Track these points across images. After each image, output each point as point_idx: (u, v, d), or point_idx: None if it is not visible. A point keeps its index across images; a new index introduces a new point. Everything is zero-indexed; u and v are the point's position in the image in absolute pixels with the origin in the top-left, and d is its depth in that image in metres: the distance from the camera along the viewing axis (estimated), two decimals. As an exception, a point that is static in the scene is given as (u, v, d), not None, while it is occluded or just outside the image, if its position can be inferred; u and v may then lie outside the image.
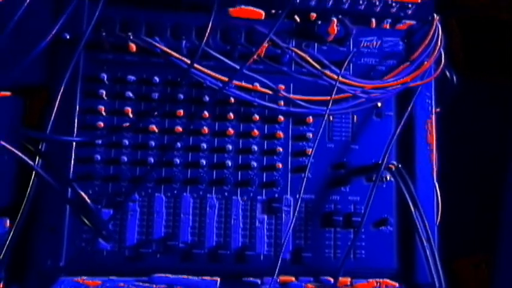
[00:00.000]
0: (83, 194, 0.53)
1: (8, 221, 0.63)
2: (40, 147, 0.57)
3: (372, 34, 0.72)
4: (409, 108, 0.69)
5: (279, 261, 0.61)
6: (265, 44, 0.65)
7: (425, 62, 0.70)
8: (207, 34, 0.61)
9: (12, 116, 0.66)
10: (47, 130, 0.57)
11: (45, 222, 0.63)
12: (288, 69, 0.69)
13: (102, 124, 0.66)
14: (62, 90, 0.62)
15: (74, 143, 0.65)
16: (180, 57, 0.63)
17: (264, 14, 0.71)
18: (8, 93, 0.66)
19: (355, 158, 0.70)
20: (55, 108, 0.58)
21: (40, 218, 0.62)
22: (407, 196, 0.66)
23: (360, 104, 0.68)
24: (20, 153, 0.49)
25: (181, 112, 0.67)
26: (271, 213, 0.67)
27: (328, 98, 0.64)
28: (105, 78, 0.67)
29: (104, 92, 0.66)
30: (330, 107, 0.66)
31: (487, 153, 0.95)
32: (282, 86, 0.69)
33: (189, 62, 0.62)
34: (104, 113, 0.66)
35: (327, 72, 0.65)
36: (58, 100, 0.59)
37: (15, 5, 0.54)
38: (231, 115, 0.68)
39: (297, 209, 0.66)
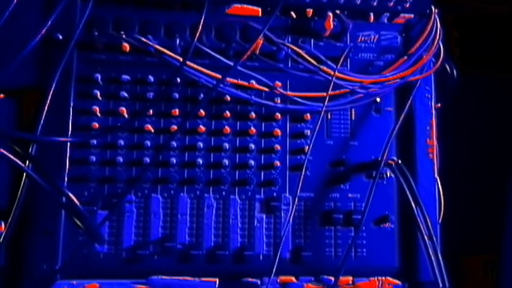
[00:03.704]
0: (72, 196, 0.52)
1: (2, 224, 0.62)
2: (30, 149, 0.56)
3: (369, 29, 0.71)
4: (409, 103, 0.68)
5: (277, 261, 0.60)
6: (260, 40, 0.64)
7: (424, 56, 0.69)
8: (199, 30, 0.60)
9: (4, 119, 0.65)
10: (38, 131, 0.55)
11: (40, 225, 0.62)
12: (284, 66, 0.68)
13: (96, 125, 0.65)
14: (53, 91, 0.61)
15: (69, 144, 0.65)
16: (172, 55, 0.62)
17: (260, 11, 0.70)
18: (0, 96, 0.65)
19: (355, 154, 0.69)
20: (45, 109, 0.57)
21: (35, 221, 0.62)
22: (408, 193, 0.64)
23: (358, 99, 0.67)
24: (9, 155, 0.48)
25: (176, 111, 0.66)
26: (269, 212, 0.66)
27: (325, 94, 0.63)
28: (99, 79, 0.66)
29: (98, 93, 0.66)
30: (327, 103, 0.65)
31: (489, 148, 0.93)
32: (279, 83, 0.68)
33: (181, 59, 0.61)
34: (98, 114, 0.65)
35: (324, 67, 0.64)
36: (49, 100, 0.58)
37: (3, 4, 0.53)
38: (228, 113, 0.67)
39: (296, 207, 0.65)
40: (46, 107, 0.57)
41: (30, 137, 0.55)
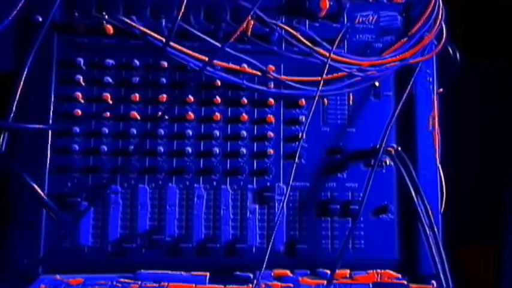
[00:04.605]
0: (34, 185, 0.49)
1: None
2: (2, 136, 0.52)
3: (368, 8, 0.67)
4: (409, 87, 0.65)
5: (268, 253, 0.56)
6: (251, 21, 0.60)
7: (426, 37, 0.65)
8: (182, 8, 0.56)
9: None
10: (9, 117, 0.52)
11: (20, 218, 0.59)
12: (278, 48, 0.64)
13: (79, 112, 0.62)
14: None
15: (50, 133, 0.61)
16: (156, 36, 0.58)
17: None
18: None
19: (352, 142, 0.65)
20: (18, 93, 0.53)
21: (14, 213, 0.58)
22: (408, 181, 0.61)
23: (355, 83, 0.63)
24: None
25: (164, 97, 0.63)
26: (263, 203, 0.63)
27: (320, 78, 0.59)
28: (82, 63, 0.62)
29: (81, 78, 0.62)
30: (322, 87, 0.62)
31: (492, 136, 0.90)
32: (272, 67, 0.64)
33: (164, 40, 0.57)
34: (81, 100, 0.62)
35: (319, 49, 0.60)
36: (28, 86, 0.55)
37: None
38: (218, 99, 0.63)
39: (290, 197, 0.62)
40: (19, 91, 0.53)
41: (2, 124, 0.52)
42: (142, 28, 0.59)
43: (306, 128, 0.61)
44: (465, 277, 0.83)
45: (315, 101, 0.60)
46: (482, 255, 0.87)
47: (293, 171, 0.60)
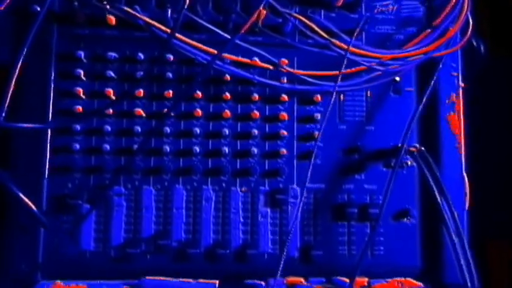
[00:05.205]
0: (22, 196, 0.45)
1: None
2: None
3: (387, -2, 0.63)
4: (432, 83, 0.60)
5: (283, 260, 0.52)
6: (263, 10, 0.56)
7: (450, 29, 0.60)
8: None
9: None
10: (1, 116, 0.48)
11: (16, 220, 0.55)
12: (292, 40, 0.60)
13: (80, 108, 0.58)
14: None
15: (49, 131, 0.58)
16: (161, 27, 0.54)
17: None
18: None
19: (371, 141, 0.61)
20: (11, 88, 0.49)
21: (10, 215, 0.55)
22: (432, 183, 0.57)
23: (375, 78, 0.59)
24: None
25: (170, 93, 0.59)
26: (275, 206, 0.59)
27: (338, 72, 0.55)
28: (83, 56, 0.58)
29: (82, 72, 0.58)
30: (340, 82, 0.58)
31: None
32: (285, 60, 0.60)
33: (169, 31, 0.53)
34: (82, 96, 0.58)
35: (336, 41, 0.56)
36: (16, 78, 0.50)
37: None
38: (227, 95, 0.59)
39: (304, 200, 0.58)
40: (12, 86, 0.49)
41: None
42: (146, 19, 0.55)
43: (322, 126, 0.57)
44: (489, 272, 0.79)
45: (333, 97, 0.56)
46: (508, 249, 0.83)
47: (309, 172, 0.56)
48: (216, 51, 0.54)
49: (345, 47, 0.55)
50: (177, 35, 0.53)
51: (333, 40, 0.55)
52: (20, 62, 0.50)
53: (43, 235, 0.56)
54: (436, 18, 0.61)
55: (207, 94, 0.60)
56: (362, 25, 0.59)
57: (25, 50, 0.50)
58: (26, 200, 0.46)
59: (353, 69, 0.59)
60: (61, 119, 0.58)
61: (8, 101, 0.48)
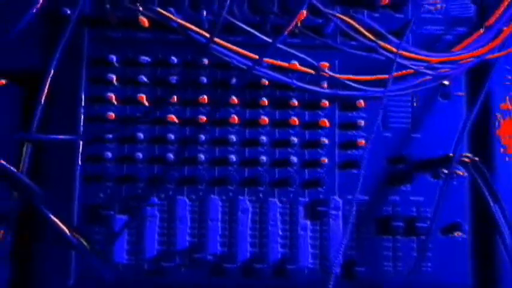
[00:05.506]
0: (56, 220, 0.43)
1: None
2: (25, 148, 0.46)
3: (436, -5, 0.59)
4: (485, 87, 0.56)
5: (332, 279, 0.49)
6: (304, 10, 0.53)
7: (504, 29, 0.56)
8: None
9: (8, 109, 0.56)
10: (33, 128, 0.45)
11: (49, 232, 0.53)
12: (333, 42, 0.57)
13: (112, 115, 0.56)
14: (61, 76, 0.52)
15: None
16: (199, 30, 0.51)
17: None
18: (2, 82, 0.56)
19: (418, 149, 0.57)
20: (42, 99, 0.47)
21: (43, 228, 0.53)
22: (486, 194, 0.53)
23: (424, 82, 0.55)
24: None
25: (205, 98, 0.56)
26: (315, 218, 0.56)
27: (387, 76, 0.52)
28: (114, 60, 0.56)
29: (114, 77, 0.56)
30: (383, 87, 0.54)
31: None
32: (326, 64, 0.57)
33: (208, 36, 0.50)
34: (114, 102, 0.56)
35: (383, 43, 0.52)
36: (55, 87, 0.48)
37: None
38: (265, 100, 0.56)
39: (345, 212, 0.55)
40: (44, 96, 0.47)
41: (23, 136, 0.46)
42: (182, 22, 0.52)
43: (369, 134, 0.53)
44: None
45: (383, 103, 0.52)
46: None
47: (352, 183, 0.52)
48: (257, 56, 0.51)
49: (394, 50, 0.51)
50: (216, 39, 0.50)
51: (381, 43, 0.52)
52: (54, 69, 0.47)
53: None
54: (488, 17, 0.57)
55: (243, 100, 0.57)
56: (410, 26, 0.55)
57: (58, 55, 0.48)
58: (58, 222, 0.43)
59: (399, 72, 0.55)
60: (93, 126, 0.56)
61: (39, 110, 0.45)
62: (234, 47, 0.52)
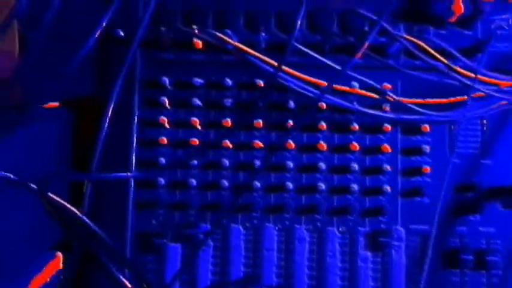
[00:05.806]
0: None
1: (60, 255, 0.53)
2: (85, 188, 0.44)
3: (507, 10, 0.55)
4: None
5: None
6: (371, 32, 0.50)
7: None
8: (298, 23, 0.47)
9: (62, 133, 0.55)
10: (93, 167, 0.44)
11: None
12: (395, 63, 0.53)
13: (165, 140, 0.54)
14: (114, 100, 0.50)
15: (134, 162, 0.54)
16: (262, 57, 0.49)
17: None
18: (55, 104, 0.55)
19: (488, 176, 0.53)
20: (104, 129, 0.45)
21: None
22: None
23: (497, 106, 0.51)
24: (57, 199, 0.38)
25: (260, 122, 0.54)
26: (377, 249, 0.53)
27: (461, 98, 0.48)
28: (167, 83, 0.54)
29: (167, 100, 0.54)
30: (449, 112, 0.51)
31: None
32: (388, 86, 0.53)
33: (275, 64, 0.48)
34: (166, 125, 0.54)
35: (460, 69, 0.48)
36: (110, 114, 0.47)
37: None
38: (323, 124, 0.54)
39: (409, 243, 0.52)
40: (105, 127, 0.45)
41: (83, 177, 0.44)
42: (240, 45, 0.50)
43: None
44: None
45: (458, 129, 0.49)
46: None
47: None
48: (325, 83, 0.48)
49: (471, 75, 0.47)
50: (284, 67, 0.47)
51: (456, 67, 0.48)
52: (115, 96, 0.46)
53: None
54: None
55: (300, 123, 0.54)
56: (486, 47, 0.51)
57: (120, 82, 0.46)
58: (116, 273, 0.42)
59: (464, 97, 0.52)
60: (145, 151, 0.54)
61: (100, 143, 0.44)
62: (305, 76, 0.49)
